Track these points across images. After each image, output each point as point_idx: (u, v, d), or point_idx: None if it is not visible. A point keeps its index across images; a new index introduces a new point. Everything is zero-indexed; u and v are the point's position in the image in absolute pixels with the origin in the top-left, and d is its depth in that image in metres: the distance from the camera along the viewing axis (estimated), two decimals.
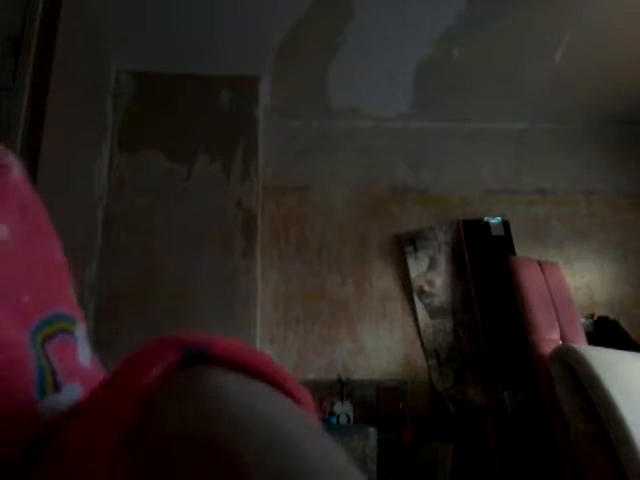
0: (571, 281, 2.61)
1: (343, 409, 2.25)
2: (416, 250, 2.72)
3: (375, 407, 2.38)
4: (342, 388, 2.33)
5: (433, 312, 2.63)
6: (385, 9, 2.21)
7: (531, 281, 2.40)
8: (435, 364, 2.54)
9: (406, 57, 2.50)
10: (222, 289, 2.28)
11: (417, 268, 2.70)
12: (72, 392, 0.36)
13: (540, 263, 2.51)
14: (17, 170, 0.37)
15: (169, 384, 0.22)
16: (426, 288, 2.66)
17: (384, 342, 2.58)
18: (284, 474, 0.18)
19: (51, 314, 0.37)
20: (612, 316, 2.56)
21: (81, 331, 0.40)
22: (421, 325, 2.60)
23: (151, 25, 2.30)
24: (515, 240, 2.71)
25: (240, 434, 0.19)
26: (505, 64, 2.56)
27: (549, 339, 2.22)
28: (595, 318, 2.54)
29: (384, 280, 2.69)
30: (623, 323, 2.51)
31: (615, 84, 2.69)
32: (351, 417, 2.25)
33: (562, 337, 2.27)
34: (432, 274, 2.69)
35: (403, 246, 2.73)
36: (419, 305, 2.63)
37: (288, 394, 0.24)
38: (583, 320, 2.47)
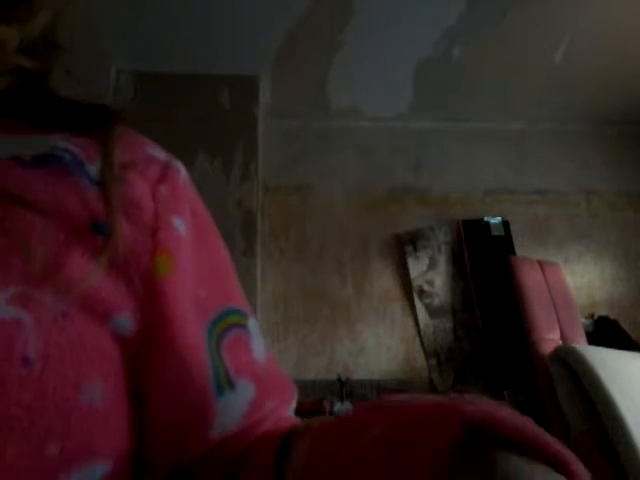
0: (571, 281, 2.60)
1: (343, 409, 2.25)
2: (416, 250, 2.72)
3: None
4: (342, 388, 2.33)
5: (433, 312, 2.63)
6: (385, 9, 2.21)
7: (531, 281, 2.40)
8: (435, 364, 2.54)
9: (406, 57, 2.50)
10: None
11: (417, 268, 2.70)
12: (245, 390, 0.37)
13: (540, 263, 2.51)
14: (184, 173, 0.40)
15: (469, 459, 0.22)
16: (426, 288, 2.67)
17: (384, 342, 2.58)
18: None
19: (226, 309, 0.39)
20: (612, 316, 2.56)
21: (253, 325, 0.41)
22: (421, 325, 2.60)
23: (151, 25, 2.30)
24: (515, 240, 2.71)
25: None
26: (505, 64, 2.56)
27: (549, 339, 2.22)
28: (595, 318, 2.54)
29: (384, 280, 2.69)
30: (623, 323, 2.51)
31: (615, 84, 2.69)
32: None
33: (562, 337, 2.27)
34: (432, 274, 2.69)
35: (403, 246, 2.74)
36: (419, 305, 2.63)
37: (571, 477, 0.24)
38: (583, 320, 2.47)
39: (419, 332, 2.60)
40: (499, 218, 2.76)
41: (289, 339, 2.56)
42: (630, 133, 3.03)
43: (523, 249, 2.70)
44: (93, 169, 0.34)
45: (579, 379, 1.81)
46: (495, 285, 2.55)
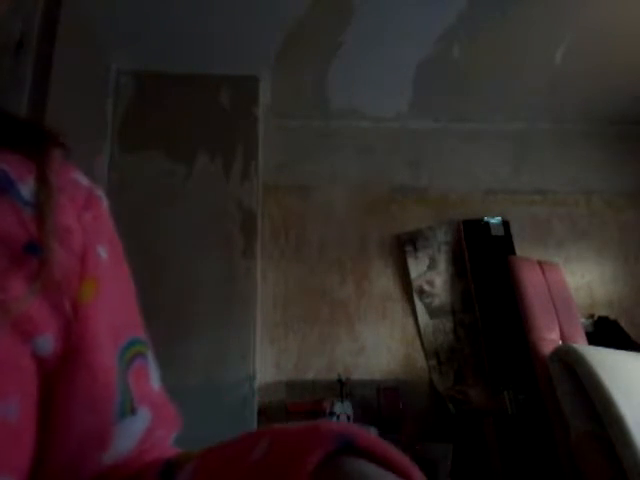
0: (571, 281, 2.61)
1: (343, 409, 2.25)
2: (416, 250, 2.72)
3: (375, 407, 2.38)
4: (342, 388, 2.33)
5: (433, 312, 2.63)
6: (385, 9, 2.21)
7: (531, 281, 2.40)
8: (435, 364, 2.54)
9: (406, 57, 2.50)
10: (222, 289, 2.28)
11: (417, 268, 2.70)
12: (144, 416, 0.38)
13: (540, 263, 2.51)
14: (105, 202, 0.42)
15: (329, 467, 0.27)
16: (426, 288, 2.66)
17: (384, 342, 2.58)
18: None
19: (133, 337, 0.40)
20: (612, 316, 2.56)
21: (151, 355, 0.43)
22: (421, 325, 2.60)
23: (151, 25, 2.30)
24: (515, 240, 2.71)
25: None
26: (505, 64, 2.56)
27: (549, 339, 2.22)
28: (595, 318, 2.54)
29: (384, 280, 2.69)
30: (623, 323, 2.51)
31: (615, 84, 2.69)
32: (351, 417, 2.25)
33: (562, 337, 2.27)
34: (432, 274, 2.69)
35: (403, 246, 2.74)
36: (419, 305, 2.63)
37: None
38: (583, 320, 2.47)
39: (419, 332, 2.60)
40: (499, 218, 2.75)
41: (289, 339, 2.56)
42: (630, 133, 3.03)
43: (523, 249, 2.70)
44: (25, 188, 0.34)
45: (579, 379, 1.81)
46: (495, 285, 2.55)
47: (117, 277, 0.40)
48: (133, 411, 0.37)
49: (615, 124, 3.02)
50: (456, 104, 2.86)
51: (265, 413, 2.28)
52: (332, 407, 2.24)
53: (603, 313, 2.60)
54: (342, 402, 2.26)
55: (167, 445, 0.41)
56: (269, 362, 2.50)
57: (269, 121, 2.78)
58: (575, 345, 2.00)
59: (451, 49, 2.45)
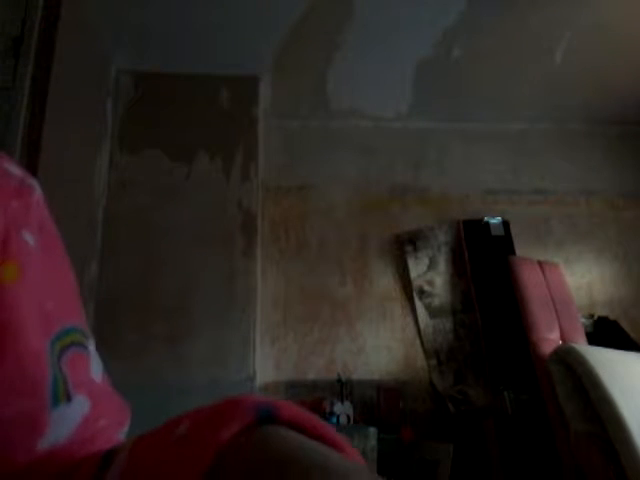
0: (571, 281, 2.60)
1: (343, 409, 2.25)
2: (416, 250, 2.72)
3: (375, 407, 2.38)
4: (342, 388, 2.32)
5: (433, 312, 2.63)
6: (385, 9, 2.21)
7: (531, 281, 2.40)
8: (435, 364, 2.54)
9: (406, 57, 2.50)
10: (222, 289, 2.28)
11: (417, 268, 2.69)
12: (81, 404, 0.38)
13: (540, 263, 2.51)
14: (38, 191, 0.42)
15: (245, 438, 0.27)
16: (426, 288, 2.66)
17: (384, 342, 2.58)
18: None
19: (68, 326, 0.40)
20: (612, 316, 2.56)
21: (92, 346, 0.42)
22: (421, 325, 2.60)
23: (151, 25, 2.30)
24: (515, 240, 2.71)
25: (302, 474, 0.23)
26: (505, 64, 2.56)
27: (549, 339, 2.22)
28: (595, 318, 2.54)
29: (384, 280, 2.69)
30: (623, 323, 2.51)
31: (615, 84, 2.69)
32: (351, 417, 2.25)
33: (562, 337, 2.27)
34: (432, 274, 2.69)
35: (403, 246, 2.73)
36: (419, 305, 2.63)
37: (338, 450, 0.29)
38: (583, 320, 2.47)
39: (419, 332, 2.60)
40: (499, 218, 2.75)
41: (289, 339, 2.56)
42: (630, 133, 3.03)
43: (523, 249, 2.69)
44: None
45: (579, 379, 1.81)
46: (495, 285, 2.55)
47: (47, 264, 0.40)
48: (68, 398, 0.37)
49: (615, 124, 3.02)
50: (456, 104, 2.86)
51: None
52: (332, 407, 2.24)
53: (603, 313, 2.59)
54: (342, 402, 2.26)
55: (114, 437, 0.41)
56: (269, 362, 2.50)
57: (269, 121, 2.78)
58: (575, 345, 1.99)
59: (451, 49, 2.45)
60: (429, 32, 2.35)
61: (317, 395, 2.38)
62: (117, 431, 0.41)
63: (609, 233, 2.85)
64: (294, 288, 2.64)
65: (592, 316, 2.55)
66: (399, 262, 2.72)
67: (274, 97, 2.74)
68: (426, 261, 2.71)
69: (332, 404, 2.25)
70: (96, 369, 0.41)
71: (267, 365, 2.48)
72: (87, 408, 0.38)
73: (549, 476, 1.97)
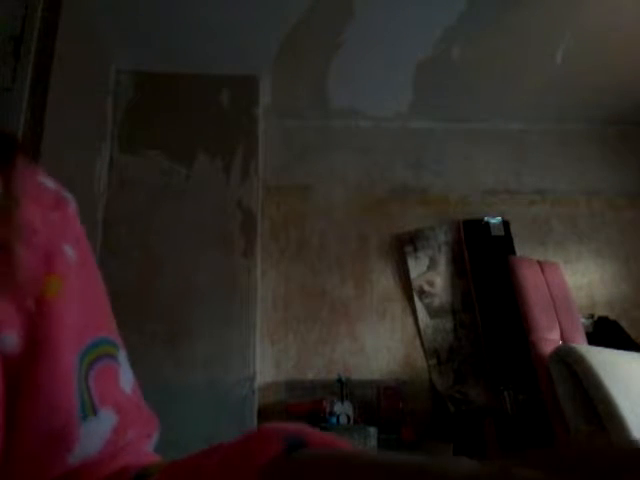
0: (571, 281, 2.60)
1: (343, 409, 2.25)
2: (416, 250, 2.72)
3: (375, 407, 2.38)
4: (342, 388, 2.33)
5: (433, 312, 2.63)
6: (385, 9, 2.21)
7: (531, 281, 2.40)
8: (435, 364, 2.54)
9: (406, 57, 2.50)
10: (222, 289, 2.28)
11: (417, 268, 2.69)
12: (108, 418, 0.38)
13: (540, 263, 2.51)
14: (73, 204, 0.42)
15: (285, 461, 0.27)
16: (426, 288, 2.66)
17: (384, 342, 2.58)
18: None
19: (99, 338, 0.40)
20: (612, 316, 2.56)
21: (123, 357, 0.43)
22: (421, 325, 2.60)
23: (151, 25, 2.30)
24: (515, 240, 2.71)
25: None
26: (505, 64, 2.56)
27: (549, 339, 2.22)
28: (595, 318, 2.54)
29: (384, 280, 2.69)
30: (623, 323, 2.51)
31: (615, 84, 2.69)
32: (351, 417, 2.25)
33: (562, 337, 2.27)
34: (432, 274, 2.69)
35: (403, 246, 2.73)
36: (419, 305, 2.63)
37: None
38: (583, 320, 2.47)
39: (419, 332, 2.60)
40: (499, 218, 2.75)
41: (289, 339, 2.56)
42: (630, 133, 3.03)
43: (523, 249, 2.70)
44: None
45: (579, 379, 1.81)
46: (495, 285, 2.55)
47: (83, 277, 0.41)
48: (95, 412, 0.37)
49: (615, 124, 3.02)
50: (456, 104, 2.86)
51: (265, 413, 2.28)
52: (332, 407, 2.24)
53: (603, 313, 2.59)
54: (342, 402, 2.26)
55: (143, 450, 0.41)
56: (269, 362, 2.50)
57: (269, 121, 2.78)
58: (575, 345, 1.99)
59: (451, 49, 2.45)
60: (429, 32, 2.35)
61: (317, 395, 2.38)
62: (145, 443, 0.42)
63: (609, 233, 2.84)
64: (294, 288, 2.64)
65: (592, 316, 2.55)
66: (399, 262, 2.72)
67: (274, 97, 2.74)
68: (426, 261, 2.71)
69: (332, 404, 2.25)
70: (125, 380, 0.42)
71: (267, 365, 2.48)
72: (114, 420, 0.38)
73: None
